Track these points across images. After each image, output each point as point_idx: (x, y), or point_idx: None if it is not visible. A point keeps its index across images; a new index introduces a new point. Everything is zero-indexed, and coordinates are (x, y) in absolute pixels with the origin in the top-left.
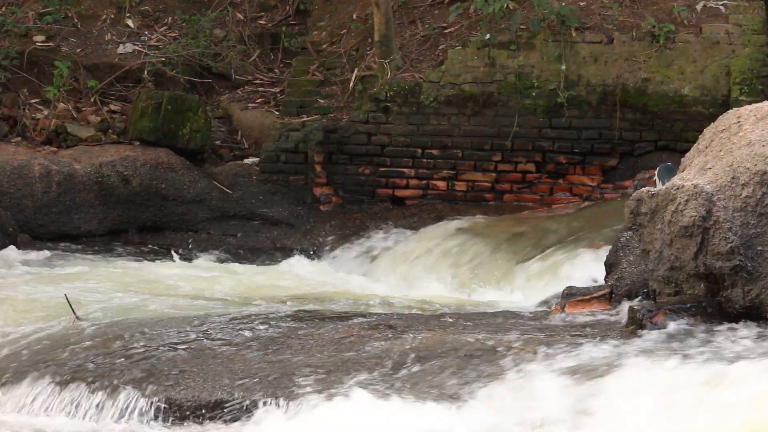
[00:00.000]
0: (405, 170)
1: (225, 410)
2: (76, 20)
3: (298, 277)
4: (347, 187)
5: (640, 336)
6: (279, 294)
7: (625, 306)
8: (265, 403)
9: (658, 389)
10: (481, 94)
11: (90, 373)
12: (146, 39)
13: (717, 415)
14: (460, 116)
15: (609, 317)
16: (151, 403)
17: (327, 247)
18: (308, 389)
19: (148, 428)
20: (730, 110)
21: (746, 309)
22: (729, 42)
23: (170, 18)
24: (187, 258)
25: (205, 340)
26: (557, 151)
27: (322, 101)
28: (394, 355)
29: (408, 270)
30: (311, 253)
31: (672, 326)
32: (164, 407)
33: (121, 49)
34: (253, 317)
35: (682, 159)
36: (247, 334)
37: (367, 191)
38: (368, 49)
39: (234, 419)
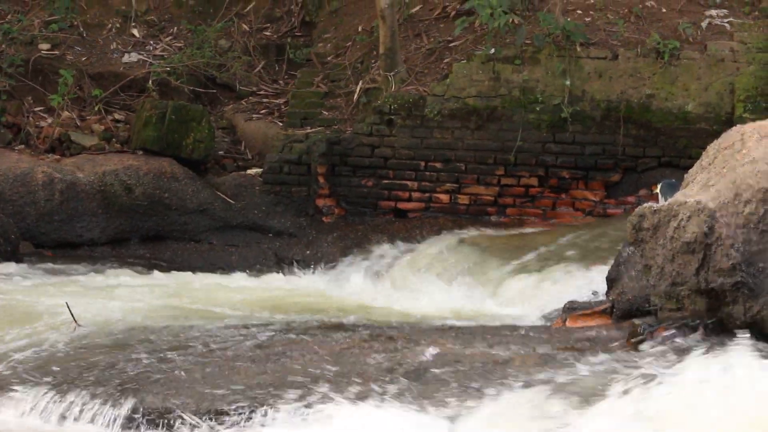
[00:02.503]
0: (408, 183)
1: (224, 419)
2: (81, 29)
3: (300, 288)
4: (350, 199)
5: (641, 351)
6: (280, 304)
7: (627, 321)
8: (264, 413)
9: (659, 403)
10: (485, 108)
11: (90, 380)
12: (151, 49)
13: (718, 428)
14: (463, 130)
15: (610, 332)
16: (150, 410)
17: (329, 259)
18: (308, 400)
19: None
20: (734, 127)
21: (747, 325)
22: (733, 59)
23: (176, 28)
24: (188, 268)
25: (205, 350)
26: (560, 165)
27: (326, 113)
28: (396, 366)
29: (409, 282)
30: (313, 264)
31: (673, 341)
32: (164, 415)
33: (126, 58)
34: (254, 327)
35: (685, 175)
36: (247, 344)
37: (370, 203)
38: (373, 61)
39: (233, 428)
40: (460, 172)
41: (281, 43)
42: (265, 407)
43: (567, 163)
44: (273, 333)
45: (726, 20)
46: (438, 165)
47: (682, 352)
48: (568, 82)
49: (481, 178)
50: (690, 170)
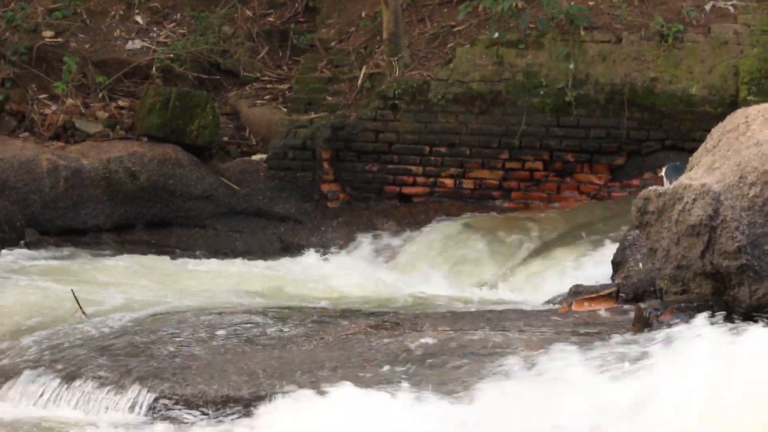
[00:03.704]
0: (412, 168)
1: (232, 405)
2: (85, 16)
3: (305, 274)
4: (355, 184)
5: (646, 334)
6: (286, 291)
7: (632, 304)
8: (271, 399)
9: (665, 386)
10: (489, 93)
11: (97, 368)
12: (155, 35)
13: (723, 413)
14: (468, 114)
15: (616, 315)
16: (158, 397)
17: (334, 244)
18: (316, 385)
19: (154, 422)
20: (738, 110)
21: (753, 308)
22: (737, 42)
23: (179, 14)
24: (193, 254)
25: (211, 336)
26: (565, 149)
27: (330, 98)
28: (402, 351)
29: (415, 267)
30: (318, 249)
31: (678, 325)
32: (171, 402)
33: (129, 45)
34: (260, 314)
35: (690, 158)
36: (254, 330)
37: (375, 188)
38: (377, 46)
39: (241, 414)
40: (464, 156)
41: (284, 28)
42: (273, 393)
43: (571, 146)
44: (279, 319)
45: (730, 2)
46: (442, 149)
47: (687, 334)
48: (572, 66)
49: (485, 163)
50: (695, 153)
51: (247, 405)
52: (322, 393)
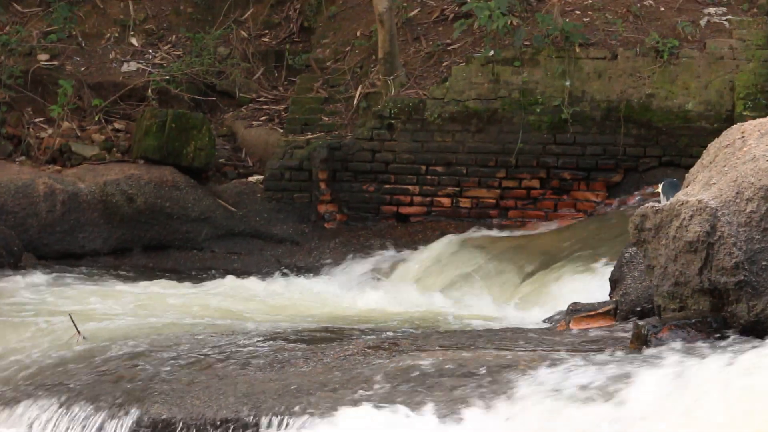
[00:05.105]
0: (409, 187)
1: (229, 429)
2: (80, 39)
3: (302, 295)
4: (351, 204)
5: (645, 352)
6: (283, 312)
7: (630, 322)
8: (269, 422)
9: (664, 404)
10: (486, 111)
11: (95, 393)
12: (150, 57)
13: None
14: (464, 133)
15: (614, 333)
16: (156, 421)
17: (331, 265)
18: (312, 407)
19: None
20: (735, 125)
21: (751, 324)
22: (733, 57)
23: (174, 36)
24: (191, 276)
25: (209, 359)
26: (562, 167)
27: (327, 118)
28: (399, 372)
29: (412, 287)
30: (315, 270)
31: (677, 342)
32: (169, 426)
33: (125, 67)
34: (257, 335)
35: (687, 174)
36: (251, 352)
37: (372, 208)
38: (372, 66)
39: None
40: (461, 175)
41: (280, 49)
42: (270, 416)
43: (568, 164)
44: (277, 341)
45: (725, 18)
46: (439, 169)
47: (685, 351)
48: (567, 83)
49: (482, 181)
50: (691, 169)
51: (246, 428)
52: (322, 415)
